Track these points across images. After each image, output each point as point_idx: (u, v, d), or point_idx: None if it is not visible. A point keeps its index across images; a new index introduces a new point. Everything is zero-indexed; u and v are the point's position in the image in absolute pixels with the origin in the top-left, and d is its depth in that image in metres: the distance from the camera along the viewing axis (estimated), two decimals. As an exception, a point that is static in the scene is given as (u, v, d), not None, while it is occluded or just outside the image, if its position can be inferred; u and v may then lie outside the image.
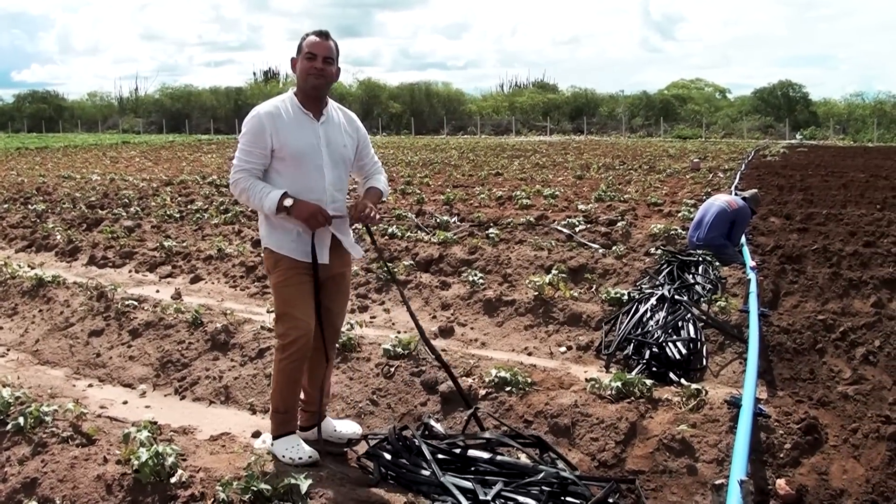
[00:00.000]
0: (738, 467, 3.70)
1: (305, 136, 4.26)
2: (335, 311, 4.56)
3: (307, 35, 4.28)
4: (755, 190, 10.60)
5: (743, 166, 24.16)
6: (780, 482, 4.09)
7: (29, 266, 9.66)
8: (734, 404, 4.54)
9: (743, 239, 9.76)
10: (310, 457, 4.29)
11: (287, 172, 4.25)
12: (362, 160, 4.59)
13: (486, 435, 4.36)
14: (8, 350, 7.16)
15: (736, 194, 10.58)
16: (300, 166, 4.24)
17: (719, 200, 9.61)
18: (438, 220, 12.77)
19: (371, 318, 7.73)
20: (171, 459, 3.76)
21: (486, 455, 4.11)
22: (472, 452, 4.15)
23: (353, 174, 4.66)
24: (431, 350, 4.97)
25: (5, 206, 16.37)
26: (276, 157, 4.24)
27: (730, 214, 9.33)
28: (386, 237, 10.95)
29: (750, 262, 8.43)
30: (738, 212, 9.41)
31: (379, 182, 4.59)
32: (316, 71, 4.23)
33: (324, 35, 4.27)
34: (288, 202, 4.11)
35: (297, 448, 4.34)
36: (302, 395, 4.61)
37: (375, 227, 11.56)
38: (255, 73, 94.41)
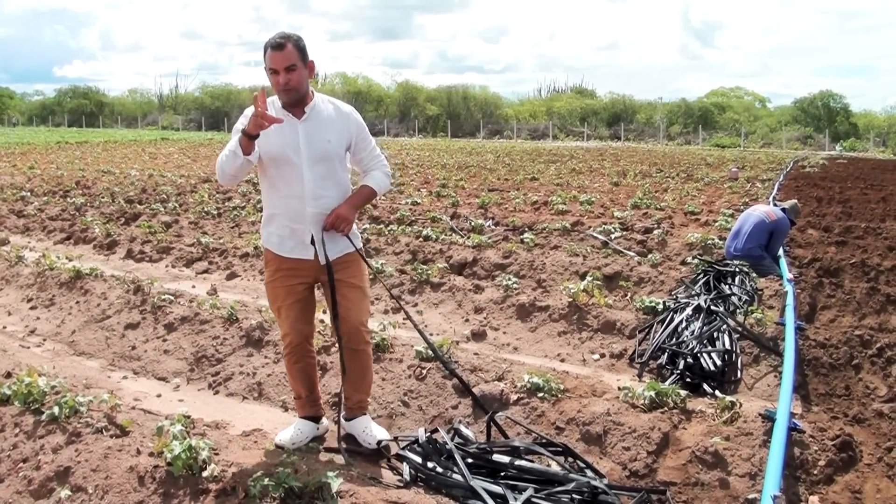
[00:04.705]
0: (772, 482, 3.66)
1: (283, 137, 4.26)
2: (340, 313, 4.46)
3: (266, 47, 4.18)
4: (794, 201, 10.45)
5: (781, 177, 23.90)
6: (814, 499, 4.04)
7: (67, 258, 9.77)
8: (768, 418, 4.49)
9: (780, 250, 9.64)
10: (289, 442, 4.58)
11: (269, 173, 4.35)
12: (359, 154, 4.53)
13: (516, 442, 4.35)
14: (45, 340, 7.25)
15: (775, 205, 10.44)
16: (277, 167, 4.30)
17: (758, 211, 9.51)
18: (473, 224, 12.77)
19: (404, 319, 7.74)
20: (203, 453, 3.79)
21: (516, 461, 4.10)
22: (502, 458, 4.14)
23: (354, 167, 4.62)
24: (445, 365, 5.19)
25: (45, 198, 16.62)
26: (260, 158, 4.28)
27: (768, 225, 9.23)
28: (420, 239, 10.97)
29: (787, 275, 8.33)
30: (777, 223, 9.30)
31: (372, 179, 4.51)
32: (281, 85, 4.19)
33: (279, 45, 4.12)
34: (241, 128, 4.09)
35: (287, 430, 4.70)
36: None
37: (409, 229, 11.58)
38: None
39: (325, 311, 4.72)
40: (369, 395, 4.89)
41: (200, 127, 77.36)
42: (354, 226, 4.52)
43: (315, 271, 4.44)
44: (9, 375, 5.39)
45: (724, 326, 6.51)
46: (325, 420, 4.89)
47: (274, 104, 4.33)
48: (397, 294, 8.32)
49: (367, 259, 4.67)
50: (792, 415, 4.61)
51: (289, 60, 4.14)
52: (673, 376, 5.97)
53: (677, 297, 7.67)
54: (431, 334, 7.06)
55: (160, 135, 61.63)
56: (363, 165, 4.57)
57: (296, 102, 4.28)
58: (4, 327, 7.63)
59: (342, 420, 4.75)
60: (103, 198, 16.74)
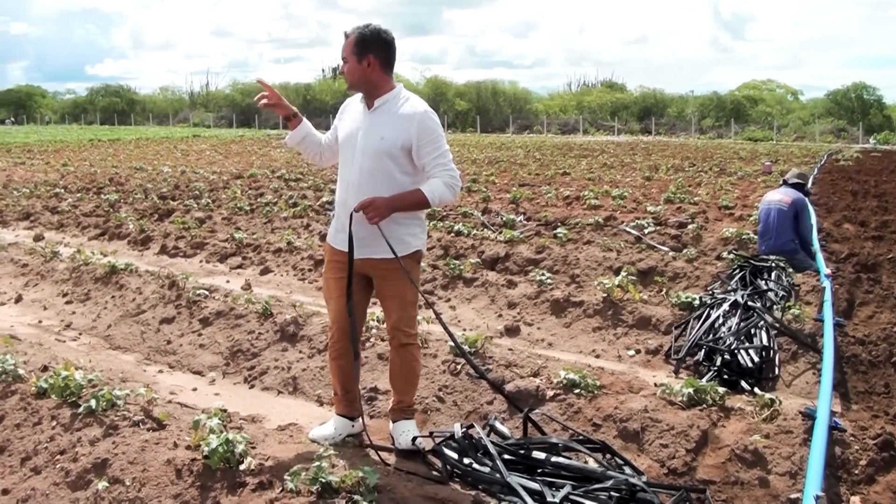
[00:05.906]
0: (814, 482, 3.59)
1: (352, 125, 4.41)
2: (386, 308, 4.55)
3: None
4: (795, 169, 10.15)
5: (816, 170, 23.60)
6: (855, 500, 3.97)
7: (102, 253, 9.85)
8: (809, 416, 4.42)
9: (817, 245, 9.47)
10: (324, 438, 4.55)
11: (339, 158, 4.54)
12: (421, 159, 4.25)
13: (553, 439, 4.30)
14: (80, 334, 7.32)
15: (783, 183, 10.12)
16: (342, 153, 4.48)
17: (773, 202, 9.29)
18: (505, 219, 12.74)
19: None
20: (240, 447, 3.78)
21: (553, 458, 4.06)
22: (538, 455, 4.11)
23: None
24: (470, 363, 5.12)
25: (79, 195, 16.78)
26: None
27: (789, 210, 9.06)
28: (452, 234, 10.95)
29: (825, 270, 8.20)
30: (795, 203, 9.13)
31: (428, 184, 4.24)
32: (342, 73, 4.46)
33: (344, 36, 4.32)
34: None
35: (322, 426, 4.72)
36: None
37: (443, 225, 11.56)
38: (323, 70, 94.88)
39: (374, 303, 4.77)
40: (412, 399, 4.74)
41: (231, 124, 77.85)
42: (408, 232, 4.40)
43: (358, 266, 4.34)
44: (45, 369, 5.41)
45: (762, 322, 6.43)
46: (361, 419, 4.84)
47: (360, 96, 4.48)
48: (430, 289, 8.30)
49: (411, 263, 4.44)
50: (832, 413, 4.53)
51: (342, 52, 4.32)
52: (710, 373, 5.89)
53: (713, 292, 7.58)
54: (465, 329, 7.03)
55: (192, 132, 61.98)
56: (426, 172, 4.31)
57: (365, 93, 4.37)
58: (40, 321, 7.70)
59: (390, 423, 4.74)
60: (136, 194, 16.88)
